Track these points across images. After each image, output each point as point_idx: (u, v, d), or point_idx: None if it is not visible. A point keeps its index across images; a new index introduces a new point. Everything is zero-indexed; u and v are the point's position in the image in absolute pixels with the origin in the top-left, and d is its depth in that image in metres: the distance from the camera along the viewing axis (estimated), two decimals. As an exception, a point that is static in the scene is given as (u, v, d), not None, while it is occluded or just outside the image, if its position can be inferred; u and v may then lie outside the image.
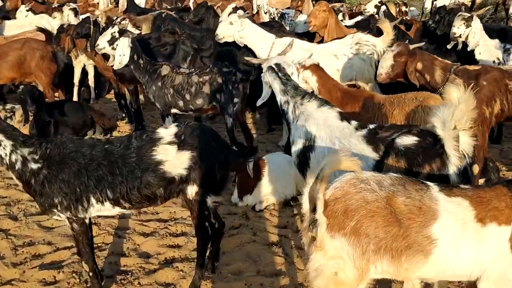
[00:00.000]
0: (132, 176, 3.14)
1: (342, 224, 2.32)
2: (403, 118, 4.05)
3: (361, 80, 5.57)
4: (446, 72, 4.27)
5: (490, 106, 4.18)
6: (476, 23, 5.53)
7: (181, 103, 5.12)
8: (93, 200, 3.15)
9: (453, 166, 2.87)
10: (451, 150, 2.85)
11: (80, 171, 3.11)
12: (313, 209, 2.39)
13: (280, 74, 3.53)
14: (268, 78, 3.59)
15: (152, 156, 3.16)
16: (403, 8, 10.48)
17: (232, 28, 5.69)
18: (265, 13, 8.70)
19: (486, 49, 5.57)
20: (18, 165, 3.07)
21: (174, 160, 3.17)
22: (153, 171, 3.15)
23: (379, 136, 3.09)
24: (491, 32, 5.88)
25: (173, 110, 5.24)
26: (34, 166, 3.08)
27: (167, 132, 3.25)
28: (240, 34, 5.68)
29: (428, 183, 2.43)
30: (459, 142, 2.85)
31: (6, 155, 3.06)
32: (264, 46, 5.66)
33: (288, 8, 9.38)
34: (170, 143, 3.19)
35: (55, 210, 3.14)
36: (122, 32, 5.24)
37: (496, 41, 5.62)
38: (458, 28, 5.51)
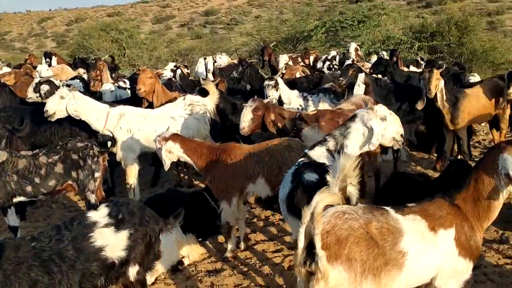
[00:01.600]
0: (73, 271, 2.76)
1: (337, 253, 2.58)
2: (274, 163, 4.53)
3: (198, 137, 5.88)
4: (293, 120, 4.99)
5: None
6: (281, 84, 6.47)
7: (29, 188, 4.52)
8: None
9: None
10: None
11: (9, 278, 2.59)
12: (307, 246, 2.62)
13: None
14: None
15: (91, 244, 2.85)
16: None
17: (64, 102, 5.33)
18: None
19: (291, 99, 6.58)
20: None
21: (113, 242, 2.92)
22: (95, 260, 2.84)
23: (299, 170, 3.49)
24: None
25: (18, 199, 4.57)
26: None
27: (99, 214, 3.00)
28: (74, 107, 5.36)
29: (385, 207, 2.86)
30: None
31: None
32: (100, 117, 5.48)
33: (73, 78, 9.04)
34: (106, 225, 2.93)
35: None
36: None
37: (296, 91, 6.71)
38: (272, 95, 6.31)
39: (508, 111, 6.72)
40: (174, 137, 4.69)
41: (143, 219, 3.10)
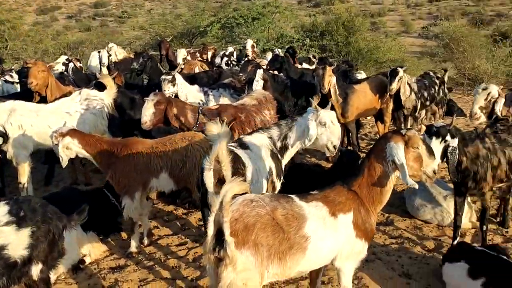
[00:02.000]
0: None
1: (245, 239, 2.72)
2: (178, 157, 4.55)
3: (95, 133, 5.69)
4: (195, 113, 5.04)
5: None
6: (179, 79, 6.45)
7: None
8: None
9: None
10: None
11: None
12: (216, 234, 2.72)
13: None
14: None
15: (-9, 244, 2.70)
16: None
17: None
18: None
19: (191, 94, 6.60)
20: None
21: (15, 241, 2.79)
22: None
23: None
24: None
25: None
26: None
27: (-1, 212, 2.82)
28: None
29: (290, 195, 3.04)
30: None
31: None
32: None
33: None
34: (7, 223, 2.79)
35: None
36: None
37: (196, 86, 6.74)
38: (168, 90, 6.26)
39: (391, 106, 7.35)
40: (72, 132, 4.53)
41: (46, 216, 2.98)
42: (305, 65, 10.12)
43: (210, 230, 2.69)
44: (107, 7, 56.66)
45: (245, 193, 2.86)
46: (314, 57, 10.93)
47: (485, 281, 3.60)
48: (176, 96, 6.30)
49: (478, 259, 3.79)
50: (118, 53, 9.66)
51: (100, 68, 9.37)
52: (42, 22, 44.50)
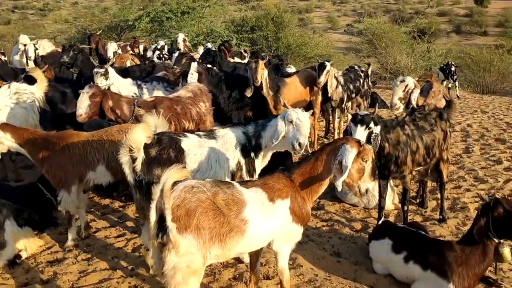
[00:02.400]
0: None
1: (187, 224, 2.86)
2: (115, 149, 4.57)
3: (27, 127, 5.56)
4: (131, 106, 5.08)
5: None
6: (112, 72, 6.37)
7: None
8: None
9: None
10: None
11: None
12: (158, 220, 2.83)
13: None
14: None
15: None
16: None
17: None
18: None
19: (125, 88, 6.56)
20: None
21: None
22: None
23: None
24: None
25: None
26: None
27: None
28: None
29: (232, 182, 3.23)
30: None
31: None
32: None
33: None
34: None
35: None
36: None
37: (129, 80, 6.72)
38: (101, 83, 6.17)
39: (320, 98, 7.71)
40: (4, 126, 4.45)
41: None
42: (237, 59, 10.30)
43: (152, 217, 2.80)
44: (27, -1, 54.04)
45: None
46: (245, 51, 11.14)
47: (407, 254, 3.97)
48: (109, 89, 6.26)
49: (400, 236, 4.16)
50: (47, 47, 9.35)
51: (27, 62, 9.04)
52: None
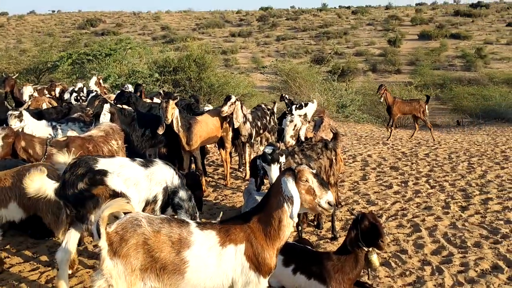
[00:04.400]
0: None
1: (118, 249, 3.10)
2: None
3: None
4: (43, 145, 5.40)
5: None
6: (26, 114, 6.64)
7: None
8: None
9: None
10: None
11: None
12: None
13: None
14: None
15: None
16: None
17: None
18: None
19: (39, 129, 6.80)
20: None
21: None
22: None
23: None
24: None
25: None
26: None
27: None
28: None
29: (190, 221, 3.34)
30: None
31: None
32: None
33: None
34: None
35: None
36: None
37: (44, 121, 7.00)
38: (15, 125, 6.37)
39: (230, 133, 8.32)
40: None
41: None
42: (156, 100, 10.77)
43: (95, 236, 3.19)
44: None
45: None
46: (163, 91, 11.63)
47: (294, 266, 4.54)
48: (23, 131, 6.50)
49: (289, 251, 4.74)
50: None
51: None
52: None
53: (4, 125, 5.62)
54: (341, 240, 5.89)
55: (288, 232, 3.34)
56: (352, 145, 12.67)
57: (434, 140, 13.35)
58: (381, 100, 13.28)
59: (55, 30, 56.42)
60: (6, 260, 5.29)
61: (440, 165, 9.84)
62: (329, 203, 3.31)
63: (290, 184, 3.23)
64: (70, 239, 4.48)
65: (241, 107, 8.07)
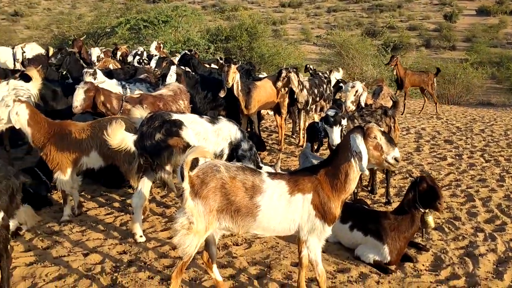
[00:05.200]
0: None
1: (198, 191, 3.39)
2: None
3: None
4: (119, 101, 5.81)
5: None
6: (99, 73, 7.09)
7: None
8: None
9: None
10: None
11: None
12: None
13: None
14: None
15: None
16: None
17: None
18: None
19: (111, 87, 7.21)
20: None
21: None
22: None
23: None
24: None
25: None
26: None
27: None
28: None
29: (262, 170, 3.67)
30: None
31: None
32: None
33: None
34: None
35: None
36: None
37: (114, 80, 7.43)
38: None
39: (287, 100, 8.55)
40: (28, 104, 5.09)
41: (7, 173, 3.64)
42: (213, 66, 11.11)
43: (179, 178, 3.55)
44: (-2, 4, 53.63)
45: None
46: (221, 58, 11.95)
47: (352, 223, 4.80)
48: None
49: (347, 209, 4.97)
50: (34, 50, 9.99)
51: (14, 64, 9.64)
52: None
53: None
54: (394, 205, 6.09)
55: (353, 185, 3.53)
56: (406, 118, 12.64)
57: (437, 113, 13.43)
58: (394, 73, 13.09)
59: (108, -5, 57.43)
60: (83, 204, 5.80)
61: (495, 140, 9.77)
62: (395, 159, 3.46)
63: (358, 140, 3.39)
64: (144, 186, 4.89)
65: (297, 74, 8.28)
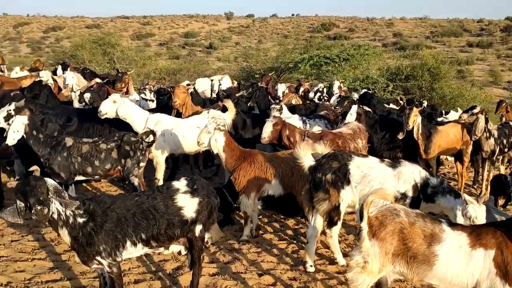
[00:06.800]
0: (162, 220, 3.87)
1: (376, 232, 3.50)
2: (288, 168, 5.70)
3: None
4: (302, 136, 6.22)
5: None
6: (285, 108, 7.68)
7: (89, 169, 5.59)
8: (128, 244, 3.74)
9: None
10: None
11: (120, 220, 3.69)
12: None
13: None
14: None
15: (174, 203, 3.96)
16: None
17: (114, 106, 6.43)
18: (73, 91, 9.18)
19: (292, 122, 7.66)
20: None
21: (189, 205, 4.04)
22: (176, 215, 3.95)
23: None
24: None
25: (78, 178, 5.61)
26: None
27: (180, 184, 4.10)
28: (122, 111, 6.47)
29: (441, 219, 3.60)
30: None
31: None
32: (141, 121, 6.59)
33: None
34: (185, 192, 4.05)
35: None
36: (19, 110, 5.43)
37: (296, 115, 7.93)
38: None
39: (470, 148, 8.11)
40: (225, 132, 5.79)
41: (209, 192, 4.22)
42: (392, 106, 11.08)
43: (357, 217, 3.73)
44: (197, 37, 60.07)
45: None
46: (401, 99, 11.85)
47: None
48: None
49: None
50: (227, 82, 11.20)
51: (211, 94, 10.89)
52: (135, 47, 48.29)
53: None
54: None
55: None
56: None
57: None
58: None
59: (291, 32, 60.52)
60: (260, 227, 6.28)
61: None
62: None
63: None
64: (317, 218, 5.11)
65: (486, 120, 7.82)
